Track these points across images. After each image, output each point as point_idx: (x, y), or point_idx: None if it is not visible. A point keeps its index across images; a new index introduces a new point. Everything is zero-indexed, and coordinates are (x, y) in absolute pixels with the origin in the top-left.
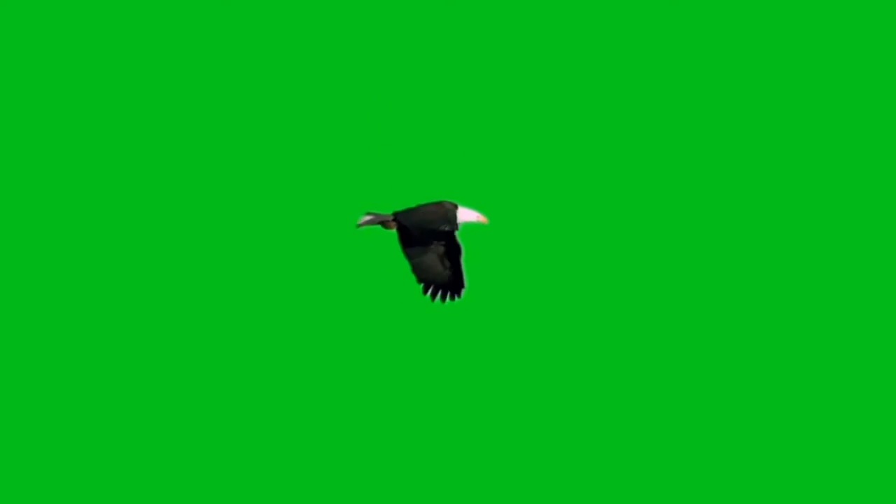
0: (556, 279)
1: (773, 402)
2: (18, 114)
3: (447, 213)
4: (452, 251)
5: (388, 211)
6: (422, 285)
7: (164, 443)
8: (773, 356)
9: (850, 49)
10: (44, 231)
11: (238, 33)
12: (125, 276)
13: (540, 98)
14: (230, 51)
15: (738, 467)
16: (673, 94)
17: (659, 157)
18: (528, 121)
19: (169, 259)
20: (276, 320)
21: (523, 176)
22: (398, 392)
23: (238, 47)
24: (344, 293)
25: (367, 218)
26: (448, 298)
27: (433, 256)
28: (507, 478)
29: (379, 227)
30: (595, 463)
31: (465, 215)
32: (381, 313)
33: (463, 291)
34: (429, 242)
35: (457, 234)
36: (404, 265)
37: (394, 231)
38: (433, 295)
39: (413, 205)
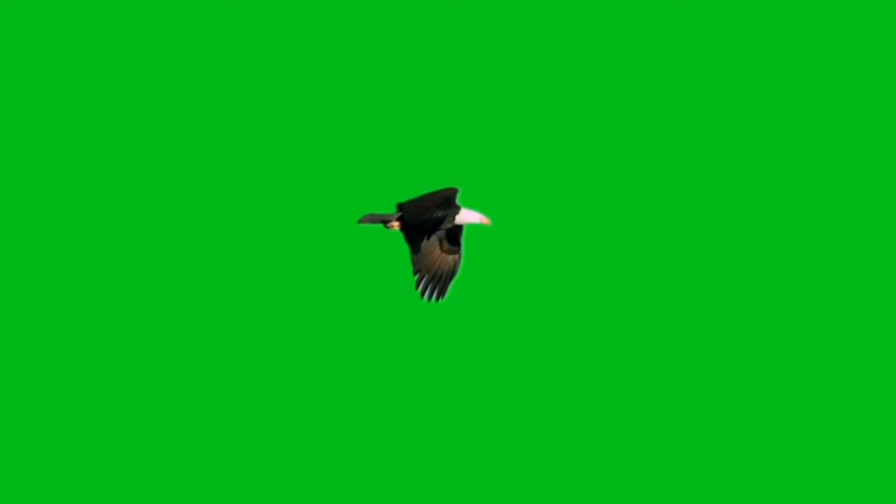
0: (557, 280)
1: (772, 401)
2: (18, 114)
3: (445, 196)
4: (453, 233)
5: (389, 211)
6: (416, 277)
7: (162, 441)
8: (773, 355)
9: (850, 49)
10: (42, 230)
11: (238, 33)
12: (126, 274)
13: (541, 98)
14: (230, 50)
15: (738, 467)
16: (673, 94)
17: (660, 157)
18: (529, 121)
19: (170, 258)
20: (277, 318)
21: (525, 177)
22: (398, 391)
23: (239, 47)
24: (345, 292)
25: (369, 217)
26: (435, 297)
27: (433, 241)
28: (507, 477)
29: (381, 225)
30: (595, 463)
31: (468, 216)
32: (382, 312)
33: (449, 288)
34: (426, 227)
35: (460, 217)
36: (405, 265)
37: (396, 231)
38: (423, 291)
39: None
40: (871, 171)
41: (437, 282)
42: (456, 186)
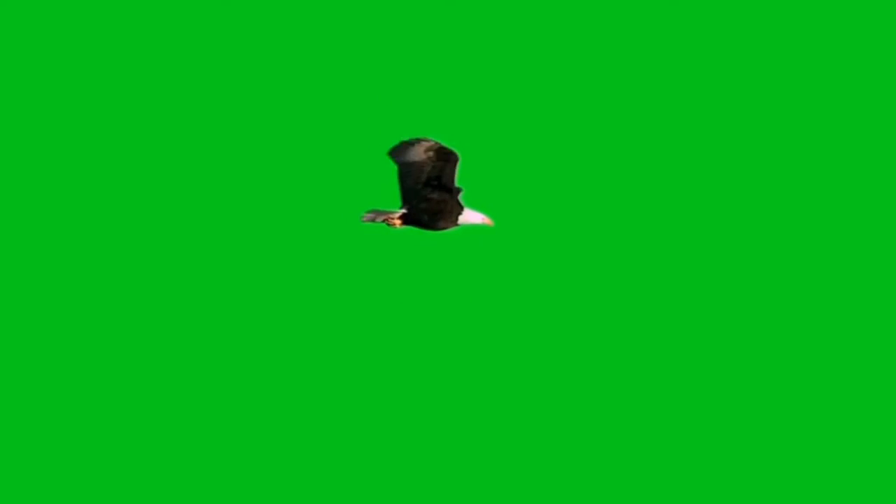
0: (560, 280)
1: (772, 401)
2: (18, 114)
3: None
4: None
5: (392, 208)
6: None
7: (164, 440)
8: (773, 355)
9: (850, 49)
10: (42, 230)
11: (239, 32)
12: (128, 273)
13: (543, 99)
14: (231, 49)
15: (738, 466)
16: (675, 94)
17: (661, 157)
18: (531, 122)
19: (171, 257)
20: (278, 317)
21: (527, 178)
22: (400, 390)
23: (240, 46)
24: (347, 291)
25: (371, 214)
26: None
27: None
28: (508, 477)
29: (383, 224)
30: (596, 463)
31: (471, 217)
32: (384, 312)
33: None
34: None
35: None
36: (407, 264)
37: (398, 229)
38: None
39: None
40: (871, 171)
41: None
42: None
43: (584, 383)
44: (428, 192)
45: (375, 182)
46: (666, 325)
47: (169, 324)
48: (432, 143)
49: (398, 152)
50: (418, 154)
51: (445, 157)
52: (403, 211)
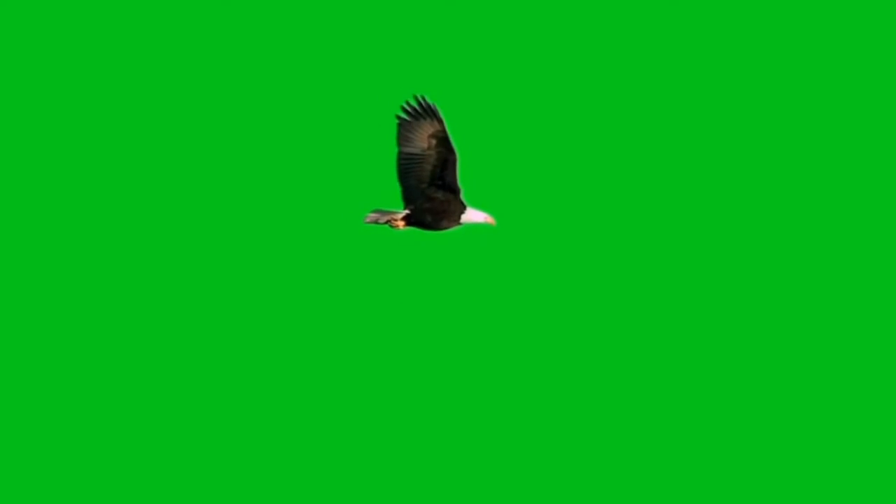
0: (562, 279)
1: (773, 401)
2: (18, 114)
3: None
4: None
5: (398, 209)
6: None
7: (166, 440)
8: (773, 355)
9: (850, 49)
10: (43, 231)
11: (241, 33)
12: (131, 276)
13: (544, 98)
14: (233, 51)
15: (739, 467)
16: (677, 93)
17: (663, 156)
18: (532, 121)
19: (174, 258)
20: (282, 319)
21: (529, 177)
22: (403, 391)
23: (241, 47)
24: (350, 293)
25: (374, 215)
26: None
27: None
28: (509, 478)
29: (386, 225)
30: (597, 463)
31: (473, 216)
32: (388, 313)
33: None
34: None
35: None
36: (410, 264)
37: (401, 230)
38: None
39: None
40: (872, 171)
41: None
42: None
43: (587, 382)
44: (432, 192)
45: (377, 183)
46: (667, 323)
47: (172, 325)
48: (438, 126)
49: (407, 124)
50: (423, 139)
51: (448, 149)
52: (406, 212)
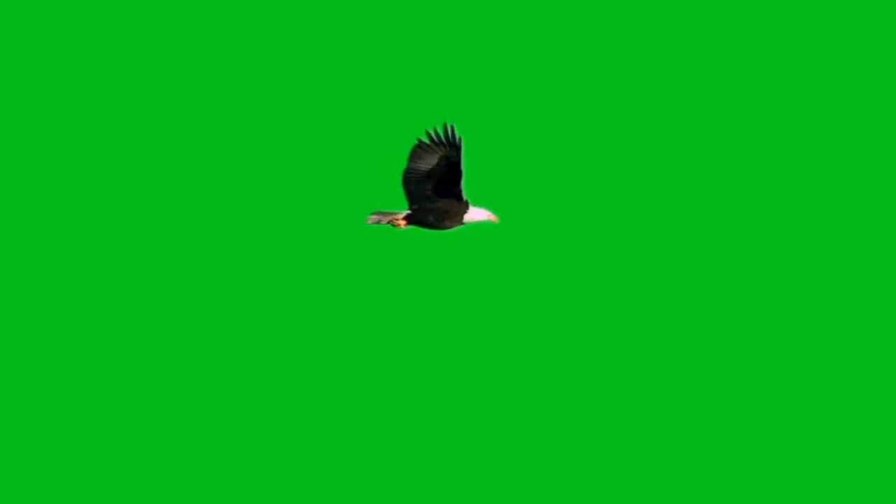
0: (565, 277)
1: (774, 401)
2: (18, 114)
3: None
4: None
5: (399, 209)
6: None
7: (167, 442)
8: (774, 355)
9: (850, 49)
10: (44, 232)
11: (243, 34)
12: (134, 278)
13: (547, 97)
14: (235, 52)
15: (739, 467)
16: (679, 93)
17: (665, 155)
18: (535, 119)
19: (176, 260)
20: (285, 320)
21: (532, 174)
22: (406, 392)
23: (243, 48)
24: (353, 293)
25: (376, 216)
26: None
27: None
28: (511, 479)
29: (388, 225)
30: (598, 464)
31: (476, 214)
32: (389, 313)
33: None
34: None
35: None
36: (413, 265)
37: (403, 230)
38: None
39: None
40: (872, 171)
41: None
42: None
43: (590, 381)
44: (435, 199)
45: (379, 184)
46: (669, 322)
47: (175, 327)
48: (455, 154)
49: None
50: (434, 159)
51: (457, 170)
52: (409, 212)
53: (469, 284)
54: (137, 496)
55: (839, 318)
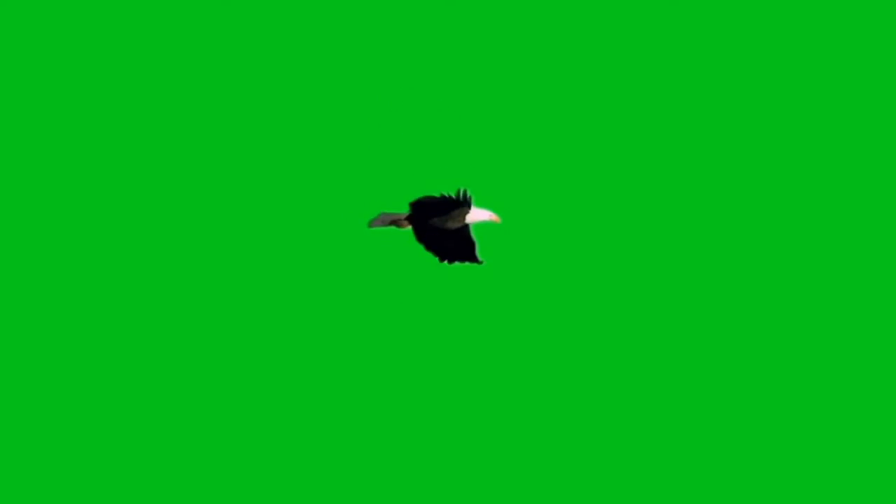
0: (568, 277)
1: (774, 401)
2: (18, 114)
3: (459, 201)
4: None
5: (401, 210)
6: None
7: (169, 445)
8: (775, 356)
9: (850, 49)
10: (47, 232)
11: (246, 36)
12: (137, 280)
13: (549, 97)
14: (238, 55)
15: (739, 467)
16: (682, 93)
17: (666, 155)
18: (538, 119)
19: (180, 263)
20: (287, 322)
21: (535, 174)
22: (407, 394)
23: (246, 51)
24: (356, 294)
25: (380, 218)
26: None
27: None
28: (513, 480)
29: (392, 227)
30: (599, 464)
31: (478, 214)
32: (392, 314)
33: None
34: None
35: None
36: (416, 266)
37: (408, 230)
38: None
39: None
40: (872, 172)
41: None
42: (468, 193)
43: (594, 382)
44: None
45: (382, 186)
46: (670, 321)
47: (177, 330)
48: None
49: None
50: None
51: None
52: (411, 214)
53: (470, 285)
54: (137, 496)
55: (839, 318)
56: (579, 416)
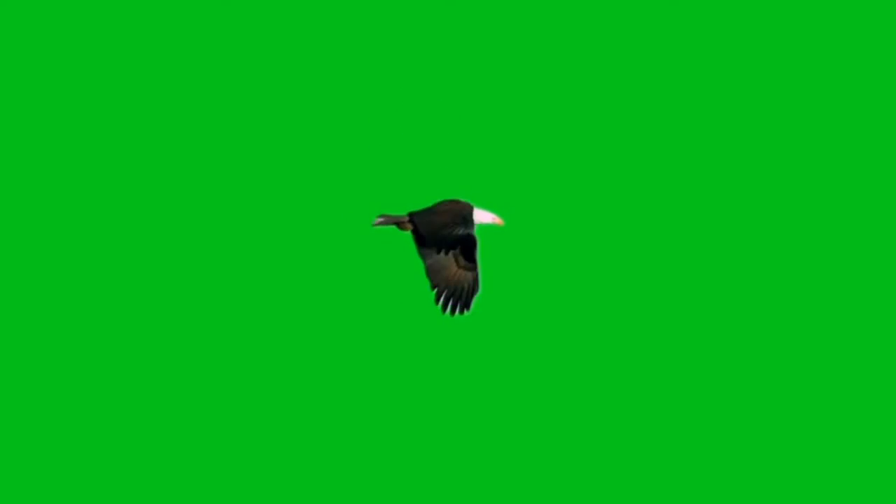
0: (570, 279)
1: (774, 401)
2: (19, 114)
3: (462, 214)
4: (468, 248)
5: (402, 211)
6: (434, 292)
7: (170, 444)
8: (775, 356)
9: (850, 49)
10: (49, 233)
11: (248, 38)
12: (140, 281)
13: (551, 98)
14: (240, 56)
15: (740, 467)
16: (680, 94)
17: (667, 156)
18: (539, 121)
19: (182, 263)
20: (288, 322)
21: (537, 177)
22: (408, 395)
23: (248, 52)
24: (357, 294)
25: (382, 219)
26: (458, 311)
27: (449, 258)
28: (515, 481)
29: (394, 227)
30: (600, 464)
31: (480, 216)
32: (394, 315)
33: (473, 301)
34: (444, 244)
35: (474, 231)
36: (418, 266)
37: (409, 231)
38: (444, 305)
39: (427, 204)
40: (872, 172)
41: (458, 297)
42: (469, 202)
43: (596, 384)
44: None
45: (384, 186)
46: (671, 321)
47: (179, 330)
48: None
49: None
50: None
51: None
52: (413, 219)
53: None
54: (137, 496)
55: (839, 318)
56: (579, 416)
